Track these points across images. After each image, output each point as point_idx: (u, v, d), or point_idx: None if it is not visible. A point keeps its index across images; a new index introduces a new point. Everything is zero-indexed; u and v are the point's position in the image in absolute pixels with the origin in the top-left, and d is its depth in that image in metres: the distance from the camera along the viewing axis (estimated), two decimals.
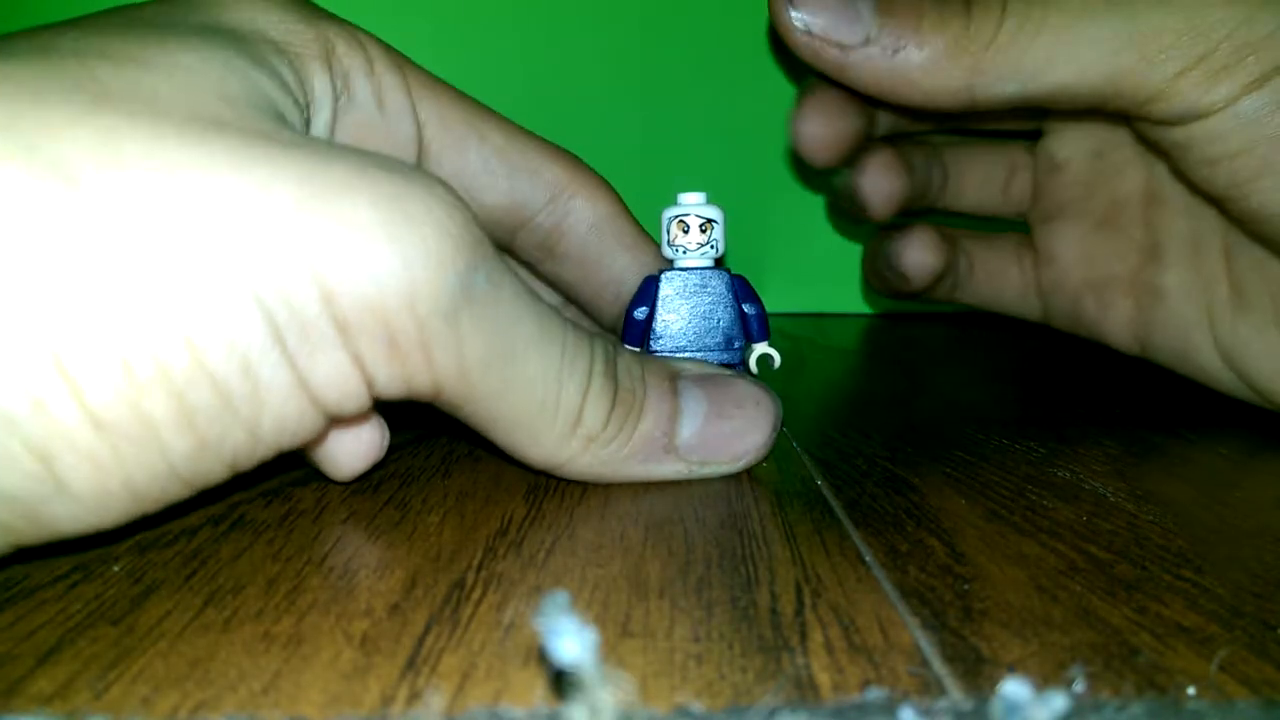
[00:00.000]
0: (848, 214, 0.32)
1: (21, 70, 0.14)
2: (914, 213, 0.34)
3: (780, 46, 0.26)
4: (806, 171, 0.47)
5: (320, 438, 0.19)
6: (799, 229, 0.50)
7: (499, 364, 0.16)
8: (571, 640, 0.10)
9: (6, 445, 0.13)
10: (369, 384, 0.16)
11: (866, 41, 0.23)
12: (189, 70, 0.15)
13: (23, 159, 0.13)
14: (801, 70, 0.28)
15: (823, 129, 0.28)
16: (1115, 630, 0.14)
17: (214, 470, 0.15)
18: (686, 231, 0.23)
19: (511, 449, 0.19)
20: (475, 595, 0.15)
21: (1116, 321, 0.30)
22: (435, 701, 0.12)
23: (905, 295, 0.34)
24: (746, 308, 0.24)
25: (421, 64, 0.22)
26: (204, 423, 0.14)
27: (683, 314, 0.23)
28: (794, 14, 0.24)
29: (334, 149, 0.15)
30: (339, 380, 0.15)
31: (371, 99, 0.20)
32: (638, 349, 0.23)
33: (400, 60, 0.21)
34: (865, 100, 0.27)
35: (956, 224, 0.34)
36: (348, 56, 0.20)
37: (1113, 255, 0.30)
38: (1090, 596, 0.15)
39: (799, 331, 0.46)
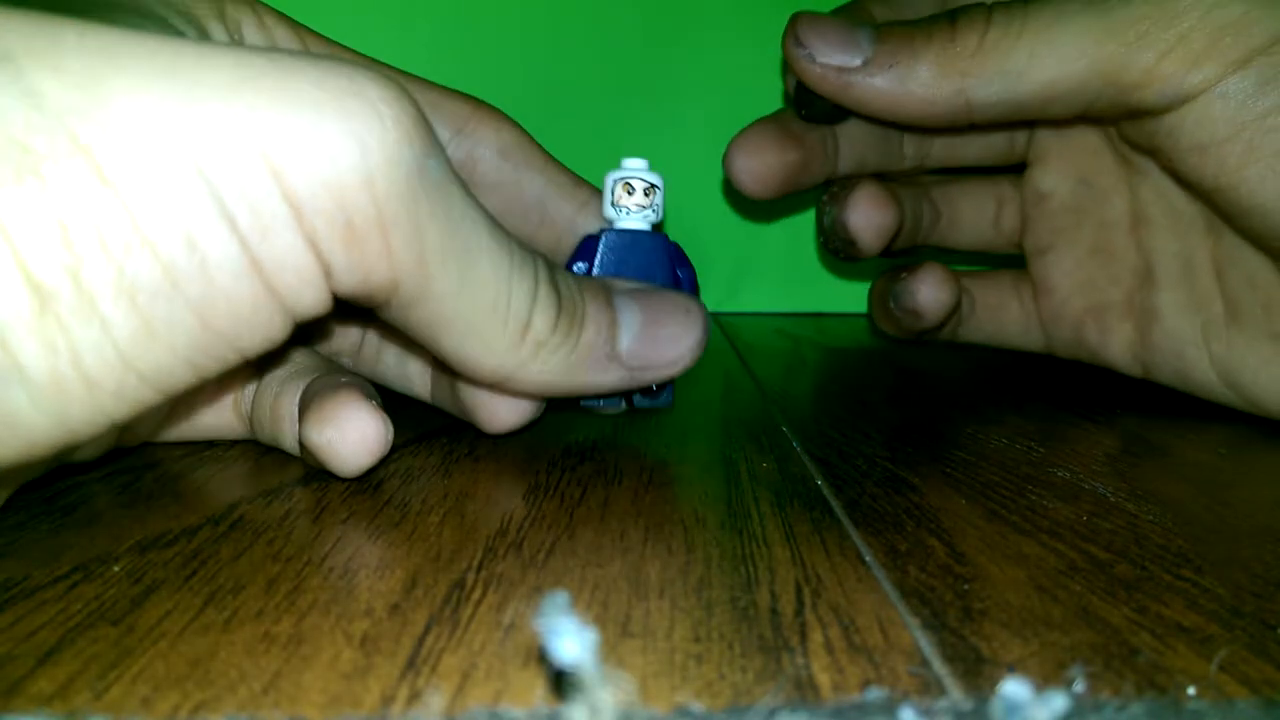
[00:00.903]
0: (838, 252, 0.33)
1: None
2: (908, 253, 0.34)
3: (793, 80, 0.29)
4: None
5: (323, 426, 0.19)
6: (799, 229, 0.50)
7: (456, 258, 0.16)
8: (571, 640, 0.10)
9: None
10: (326, 271, 0.15)
11: (865, 64, 0.25)
12: (101, 13, 0.16)
13: None
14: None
15: (755, 162, 0.30)
16: (1115, 630, 0.14)
17: (173, 367, 0.14)
18: (631, 194, 0.24)
19: (463, 359, 0.19)
20: (475, 595, 0.15)
21: (1117, 346, 0.30)
22: (435, 701, 0.12)
23: (915, 335, 0.34)
24: (680, 271, 0.25)
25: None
26: (146, 300, 0.14)
27: (621, 272, 0.24)
28: (797, 43, 0.26)
29: (274, 49, 0.16)
30: (294, 264, 0.15)
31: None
32: None
33: (289, 19, 0.23)
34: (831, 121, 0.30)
35: (953, 265, 0.35)
36: (237, 13, 0.21)
37: (1108, 280, 0.30)
38: (1090, 596, 0.15)
39: (799, 331, 0.46)
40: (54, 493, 0.21)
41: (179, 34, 0.18)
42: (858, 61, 0.25)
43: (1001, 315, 0.34)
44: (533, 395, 0.21)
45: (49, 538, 0.18)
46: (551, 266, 0.20)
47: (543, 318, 0.19)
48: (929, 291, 0.32)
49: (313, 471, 0.22)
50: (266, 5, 0.23)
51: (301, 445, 0.21)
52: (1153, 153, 0.26)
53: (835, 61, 0.25)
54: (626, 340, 0.21)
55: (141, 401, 0.14)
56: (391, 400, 0.23)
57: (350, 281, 0.15)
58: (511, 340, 0.18)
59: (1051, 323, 0.32)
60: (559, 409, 0.27)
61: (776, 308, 0.51)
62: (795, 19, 0.27)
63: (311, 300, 0.15)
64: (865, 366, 0.39)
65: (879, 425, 0.27)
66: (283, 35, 0.22)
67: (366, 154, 0.14)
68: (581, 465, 0.23)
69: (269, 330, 0.15)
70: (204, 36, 0.20)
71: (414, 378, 0.26)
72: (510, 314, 0.18)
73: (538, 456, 0.24)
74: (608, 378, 0.21)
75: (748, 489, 0.21)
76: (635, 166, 0.24)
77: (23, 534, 0.18)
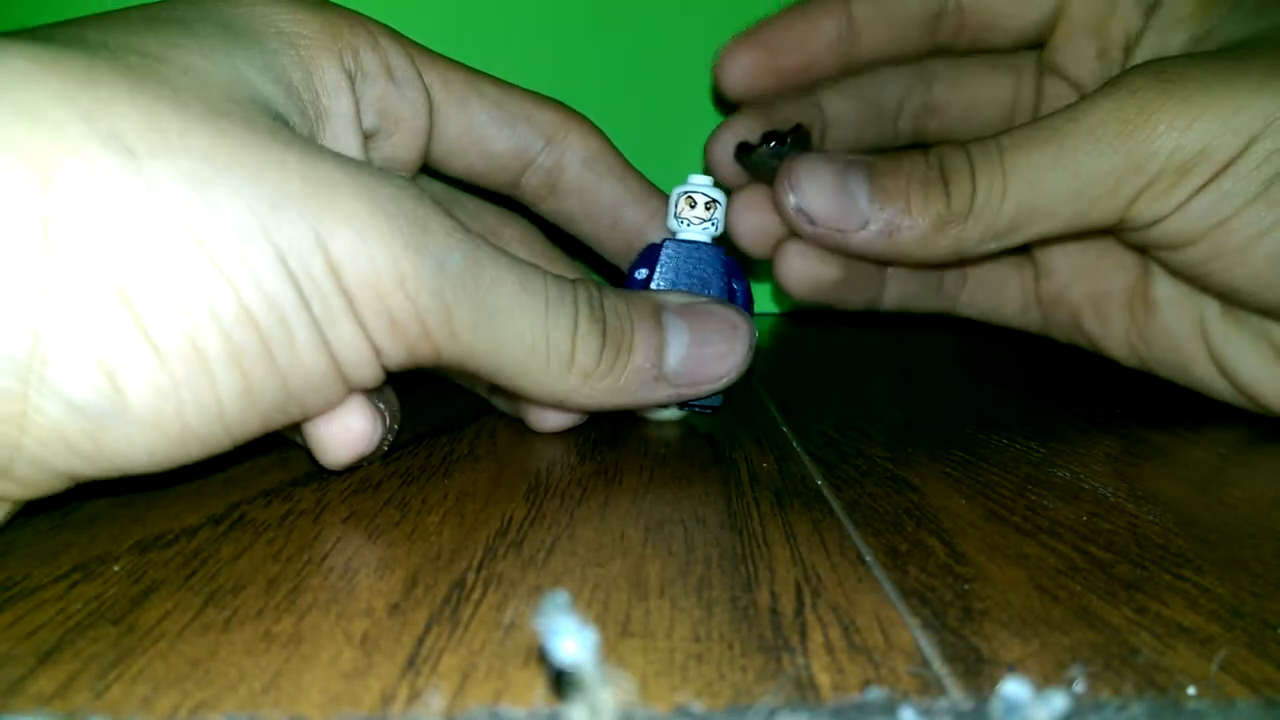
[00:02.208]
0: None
1: (64, 53, 0.16)
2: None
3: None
4: None
5: (330, 408, 0.20)
6: None
7: (487, 325, 0.19)
8: (571, 640, 0.10)
9: (77, 357, 0.15)
10: (377, 353, 0.18)
11: (864, 226, 0.26)
12: (201, 73, 0.17)
13: (82, 128, 0.15)
14: None
15: (757, 222, 0.30)
16: (1115, 630, 0.14)
17: (251, 421, 0.17)
18: (693, 207, 0.26)
19: (520, 393, 0.21)
20: (475, 595, 0.15)
21: (1115, 335, 0.30)
22: (435, 701, 0.12)
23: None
24: (735, 283, 0.26)
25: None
26: (249, 363, 0.16)
27: (678, 280, 0.25)
28: (793, 203, 0.26)
29: (324, 150, 0.18)
30: (353, 346, 0.18)
31: (382, 71, 0.23)
32: None
33: (400, 36, 0.24)
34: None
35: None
36: (353, 36, 0.22)
37: (1110, 268, 0.30)
38: (1090, 596, 0.15)
39: (799, 331, 0.46)
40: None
41: (276, 76, 0.19)
42: (855, 224, 0.26)
43: (1000, 293, 0.34)
44: (589, 412, 0.23)
45: (49, 537, 0.18)
46: (596, 294, 0.21)
47: (586, 352, 0.21)
48: (795, 264, 0.29)
49: (313, 471, 0.22)
50: (378, 23, 0.23)
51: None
52: (1134, 246, 0.27)
53: (833, 224, 0.26)
54: (674, 360, 0.22)
55: (217, 447, 0.17)
56: (402, 369, 0.23)
57: (398, 359, 0.19)
58: (558, 375, 0.20)
59: (1050, 306, 0.32)
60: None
61: (778, 307, 0.51)
62: (789, 169, 0.26)
63: (367, 375, 0.18)
64: (865, 366, 0.39)
65: (879, 425, 0.27)
66: (395, 54, 0.23)
67: (396, 259, 0.17)
68: (581, 465, 0.23)
69: (331, 396, 0.18)
70: (311, 70, 0.20)
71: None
72: (552, 354, 0.20)
73: (538, 456, 0.24)
74: (656, 395, 0.22)
75: (748, 489, 0.21)
76: (700, 182, 0.26)
77: (23, 534, 0.18)
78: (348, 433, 0.20)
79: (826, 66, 0.31)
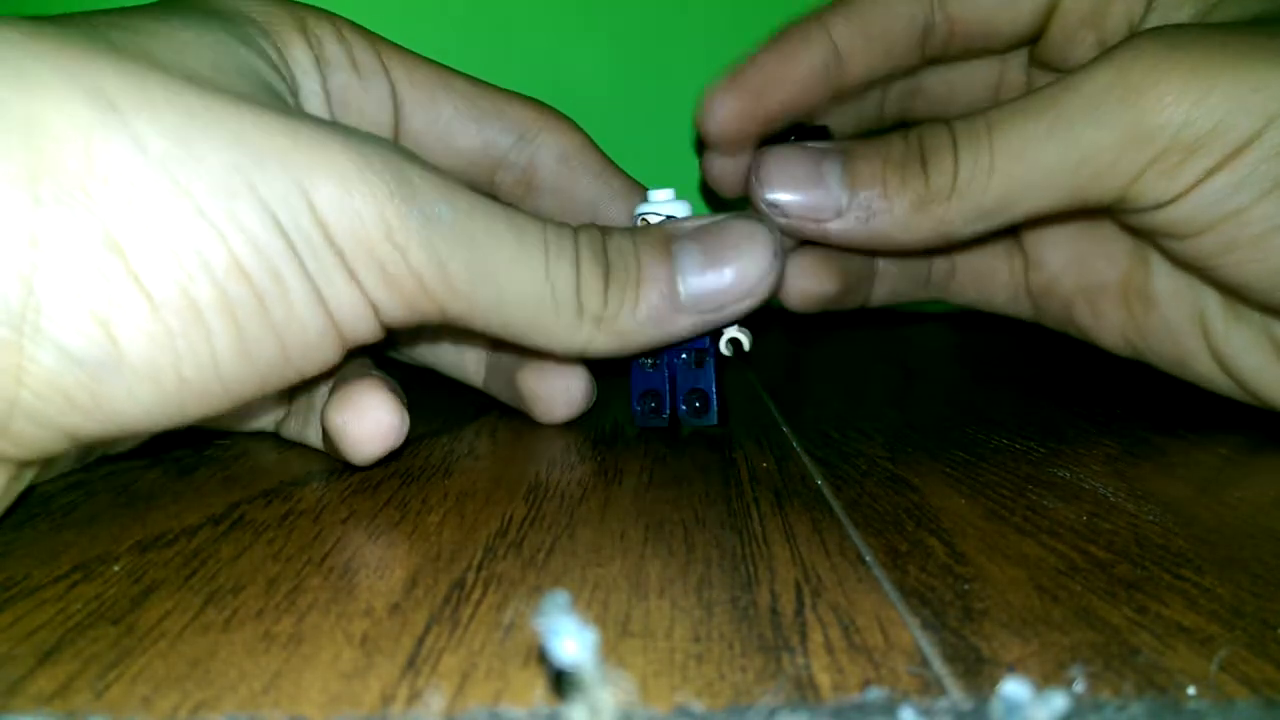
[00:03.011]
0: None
1: (48, 27, 0.16)
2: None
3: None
4: None
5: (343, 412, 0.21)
6: None
7: (487, 278, 0.19)
8: (571, 640, 0.10)
9: (70, 306, 0.15)
10: (375, 309, 0.18)
11: (839, 214, 0.24)
12: (185, 43, 0.18)
13: (64, 83, 0.15)
14: None
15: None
16: (1115, 630, 0.14)
17: (248, 379, 0.17)
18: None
19: (535, 347, 0.21)
20: (475, 595, 0.15)
21: (1109, 328, 0.30)
22: (435, 701, 0.12)
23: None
24: None
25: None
26: (244, 316, 0.16)
27: None
28: (768, 197, 0.25)
29: (307, 114, 0.18)
30: (348, 301, 0.18)
31: (347, 63, 0.23)
32: None
33: (367, 31, 0.24)
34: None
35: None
36: (319, 28, 0.22)
37: (1102, 261, 0.30)
38: (1090, 596, 0.15)
39: (799, 331, 0.46)
40: (54, 492, 0.21)
41: (256, 50, 0.20)
42: (831, 213, 0.24)
43: (989, 282, 0.32)
44: (614, 356, 0.22)
45: (49, 537, 0.18)
46: (599, 237, 0.21)
47: (592, 295, 0.20)
48: (797, 282, 0.29)
49: (313, 471, 0.22)
50: (345, 20, 0.23)
51: (324, 432, 0.21)
52: (1135, 232, 0.26)
53: (808, 215, 0.25)
54: (692, 285, 0.22)
55: (214, 407, 0.17)
56: (407, 325, 0.23)
57: (398, 315, 0.18)
58: (569, 324, 0.20)
59: (1040, 297, 0.31)
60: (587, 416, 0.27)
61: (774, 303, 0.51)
62: (759, 162, 0.25)
63: (365, 331, 0.18)
64: (865, 366, 0.39)
65: (879, 425, 0.27)
66: (360, 47, 0.23)
67: (381, 210, 0.17)
68: (581, 465, 0.23)
69: (327, 354, 0.18)
70: (282, 55, 0.21)
71: (469, 365, 0.28)
72: (558, 303, 0.20)
73: (538, 456, 0.24)
74: (679, 326, 0.22)
75: (748, 489, 0.21)
76: (659, 199, 0.25)
77: (23, 534, 0.18)
78: (378, 426, 0.20)
79: (815, 97, 0.30)
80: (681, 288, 0.21)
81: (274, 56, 0.20)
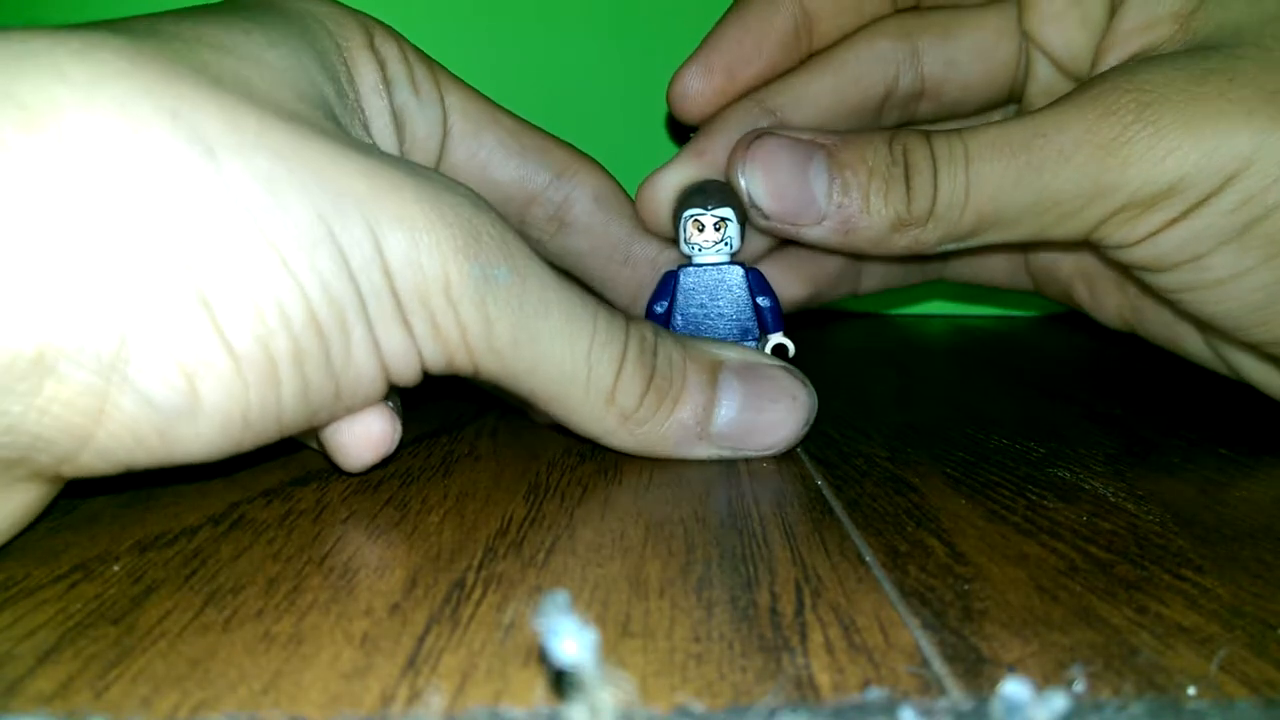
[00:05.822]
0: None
1: (146, 46, 0.16)
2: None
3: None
4: None
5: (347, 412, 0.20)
6: None
7: (526, 345, 0.19)
8: (571, 640, 0.10)
9: (159, 359, 0.15)
10: (420, 357, 0.18)
11: (819, 222, 0.25)
12: (273, 68, 0.18)
13: (168, 124, 0.15)
14: None
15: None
16: (1115, 630, 0.14)
17: (300, 416, 0.17)
18: (701, 230, 0.25)
19: (558, 419, 0.21)
20: (475, 595, 0.15)
21: (1107, 308, 0.30)
22: (435, 701, 0.12)
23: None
24: (761, 300, 0.25)
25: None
26: (310, 366, 0.17)
27: (700, 307, 0.25)
28: (750, 195, 0.25)
29: (384, 153, 0.18)
30: (401, 350, 0.18)
31: (408, 84, 0.23)
32: None
33: (426, 55, 0.24)
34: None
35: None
36: (384, 46, 0.22)
37: (1097, 251, 0.30)
38: (1090, 596, 0.15)
39: (799, 331, 0.46)
40: None
41: (331, 74, 0.20)
42: (811, 220, 0.25)
43: (988, 264, 0.33)
44: (624, 452, 0.23)
45: (49, 537, 0.18)
46: (651, 338, 0.21)
47: (629, 392, 0.21)
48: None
49: (313, 471, 0.22)
50: (409, 43, 0.24)
51: (318, 438, 0.21)
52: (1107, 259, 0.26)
53: (790, 220, 0.25)
54: (721, 422, 0.22)
55: (265, 442, 0.17)
56: (441, 374, 0.23)
57: (438, 363, 0.19)
58: (596, 410, 0.21)
59: (1040, 276, 0.31)
60: None
61: None
62: (746, 157, 0.25)
63: (410, 375, 0.19)
64: (865, 366, 0.39)
65: (879, 425, 0.27)
66: (421, 71, 0.23)
67: (444, 263, 0.17)
68: (581, 465, 0.23)
69: (372, 395, 0.19)
70: (352, 69, 0.21)
71: None
72: (591, 387, 0.20)
73: (538, 456, 0.24)
74: (697, 452, 0.22)
75: (748, 489, 0.21)
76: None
77: (22, 533, 0.18)
78: (370, 434, 0.20)
79: (788, 64, 0.29)
80: (713, 420, 0.22)
81: (343, 77, 0.20)
